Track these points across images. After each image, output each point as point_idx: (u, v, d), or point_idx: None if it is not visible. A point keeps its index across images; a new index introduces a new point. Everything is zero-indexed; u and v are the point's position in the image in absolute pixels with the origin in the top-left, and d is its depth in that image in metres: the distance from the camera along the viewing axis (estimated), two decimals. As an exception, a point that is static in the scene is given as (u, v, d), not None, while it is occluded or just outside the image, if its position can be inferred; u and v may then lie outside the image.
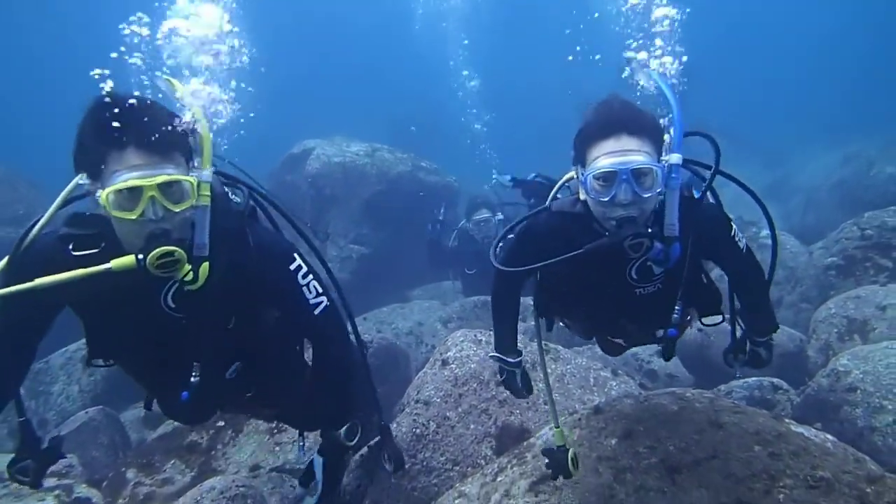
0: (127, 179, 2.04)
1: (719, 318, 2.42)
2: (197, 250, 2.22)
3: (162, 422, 4.14)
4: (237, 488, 3.00)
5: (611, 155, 2.03)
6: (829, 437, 2.54)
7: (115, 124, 2.02)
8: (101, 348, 2.43)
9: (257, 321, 2.52)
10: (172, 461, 3.65)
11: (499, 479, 2.85)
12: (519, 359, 2.56)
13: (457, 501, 2.87)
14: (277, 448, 3.62)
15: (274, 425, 3.73)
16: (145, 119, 2.06)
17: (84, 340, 2.48)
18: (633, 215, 2.04)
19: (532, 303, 2.67)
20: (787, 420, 2.61)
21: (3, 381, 2.31)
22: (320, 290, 2.45)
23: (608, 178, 2.03)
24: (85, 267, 2.09)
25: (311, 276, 2.44)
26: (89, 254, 2.17)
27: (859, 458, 2.37)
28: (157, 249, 2.06)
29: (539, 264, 2.21)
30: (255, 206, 2.55)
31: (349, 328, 2.75)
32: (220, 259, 2.26)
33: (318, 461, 2.62)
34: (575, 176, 2.24)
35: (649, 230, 2.06)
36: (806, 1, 23.02)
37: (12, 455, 3.88)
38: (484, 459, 3.26)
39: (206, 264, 2.21)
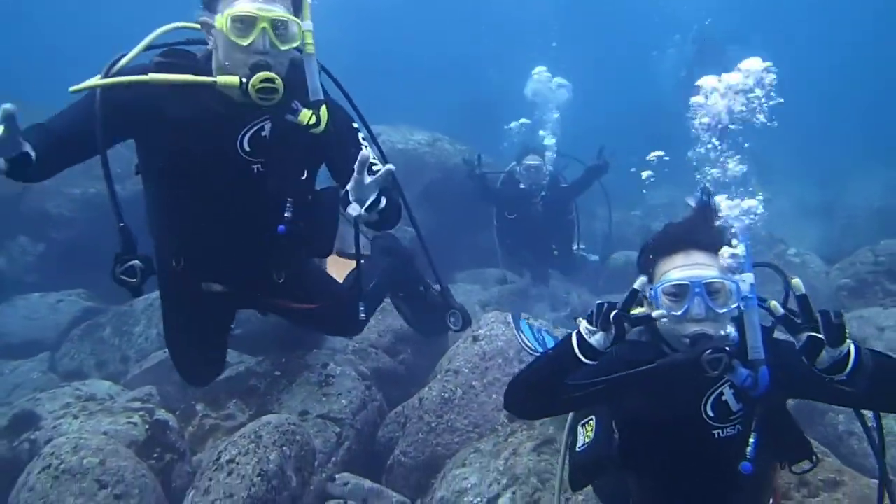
0: (245, 6, 2.26)
1: (809, 464, 2.12)
2: (313, 94, 2.42)
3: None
4: (289, 425, 3.52)
5: (682, 268, 1.98)
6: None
7: None
8: (172, 183, 2.55)
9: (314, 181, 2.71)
10: (234, 400, 4.22)
11: (509, 440, 3.30)
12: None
13: (472, 455, 3.34)
14: (324, 398, 4.13)
15: (322, 378, 4.24)
16: None
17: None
18: (709, 332, 1.91)
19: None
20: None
21: (59, 156, 2.41)
22: (383, 194, 2.39)
23: (680, 291, 1.95)
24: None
25: (367, 141, 2.58)
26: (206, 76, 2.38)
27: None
28: (261, 74, 2.25)
29: (608, 377, 1.98)
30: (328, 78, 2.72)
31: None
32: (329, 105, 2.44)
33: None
34: (641, 291, 2.04)
35: (727, 348, 1.90)
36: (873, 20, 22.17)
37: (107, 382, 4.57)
38: (501, 426, 3.70)
39: (325, 107, 2.42)
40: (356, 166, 2.18)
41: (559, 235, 6.57)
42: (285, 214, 2.55)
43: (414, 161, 7.89)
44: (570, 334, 2.05)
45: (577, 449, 2.31)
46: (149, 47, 2.52)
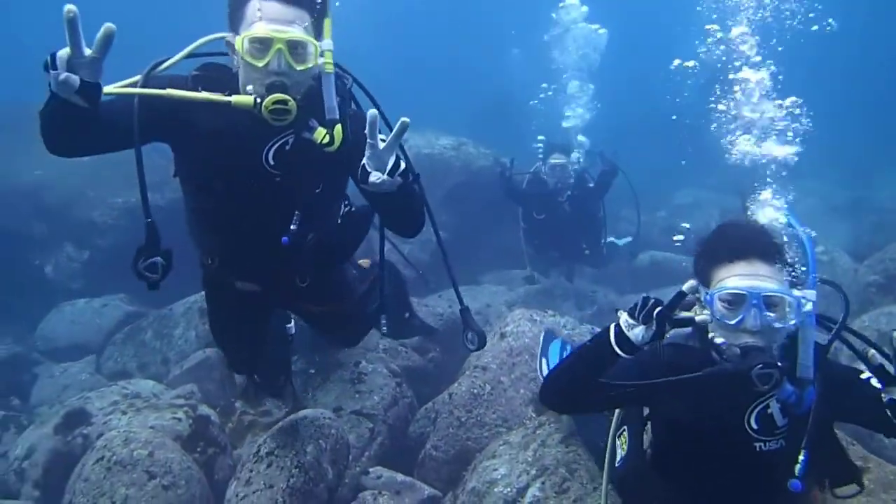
0: (262, 29, 2.29)
1: (854, 489, 2.08)
2: (329, 113, 2.43)
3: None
4: (324, 419, 3.68)
5: (742, 277, 1.90)
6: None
7: None
8: (201, 189, 2.63)
9: (339, 193, 2.74)
10: (271, 400, 4.39)
11: (538, 432, 3.41)
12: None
13: (501, 447, 3.45)
14: (357, 395, 4.28)
15: (355, 376, 4.39)
16: None
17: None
18: (761, 345, 1.87)
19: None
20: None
21: (102, 132, 2.38)
22: (401, 157, 2.36)
23: (736, 300, 1.88)
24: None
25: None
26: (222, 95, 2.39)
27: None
28: (274, 95, 2.28)
29: (651, 381, 1.96)
30: (351, 97, 2.72)
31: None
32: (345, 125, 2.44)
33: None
34: (694, 296, 2.05)
35: (779, 364, 1.84)
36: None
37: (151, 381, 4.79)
38: (529, 419, 3.81)
39: (339, 126, 2.43)
40: (367, 130, 2.18)
41: (588, 234, 6.57)
42: (291, 226, 2.60)
43: (440, 165, 8.05)
44: (607, 326, 2.00)
45: (617, 465, 2.30)
46: (192, 55, 2.56)
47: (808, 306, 1.91)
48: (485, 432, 3.87)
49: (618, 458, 2.33)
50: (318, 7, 2.46)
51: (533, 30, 9.82)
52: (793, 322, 1.88)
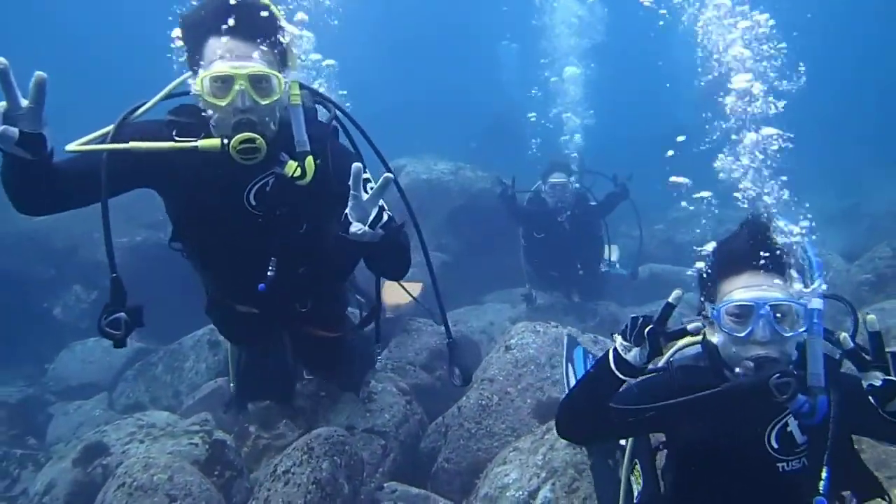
0: (220, 66, 2.21)
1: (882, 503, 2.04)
2: (299, 146, 2.36)
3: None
4: (338, 436, 3.75)
5: (747, 289, 1.89)
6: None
7: (216, 13, 2.20)
8: (185, 231, 2.61)
9: (324, 231, 2.62)
10: (284, 421, 4.46)
11: (546, 437, 3.49)
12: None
13: (512, 453, 3.53)
14: (368, 414, 4.35)
15: (365, 395, 4.47)
16: (245, 12, 2.21)
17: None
18: (774, 356, 1.83)
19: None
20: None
21: (64, 188, 2.36)
22: (384, 208, 2.37)
23: (744, 312, 1.87)
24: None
25: (373, 183, 2.39)
26: (189, 140, 2.33)
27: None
28: (241, 135, 2.22)
29: (664, 402, 1.92)
30: (338, 127, 2.66)
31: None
32: (318, 157, 2.39)
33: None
34: (702, 313, 2.04)
35: (795, 373, 1.81)
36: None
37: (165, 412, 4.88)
38: (536, 427, 3.89)
39: (310, 158, 2.36)
40: (350, 182, 2.14)
41: (586, 254, 6.59)
42: (268, 273, 2.54)
43: (438, 189, 8.24)
44: (607, 351, 1.99)
45: (636, 500, 2.26)
46: (168, 96, 2.52)
47: (817, 303, 1.87)
48: (494, 442, 3.95)
49: (635, 493, 2.27)
50: (278, 38, 2.37)
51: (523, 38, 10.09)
52: (802, 329, 1.84)
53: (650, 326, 1.85)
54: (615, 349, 1.94)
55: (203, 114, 2.39)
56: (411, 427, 4.41)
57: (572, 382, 3.61)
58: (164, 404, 5.67)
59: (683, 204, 2.77)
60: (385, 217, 2.27)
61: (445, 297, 3.59)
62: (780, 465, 1.93)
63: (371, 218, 2.23)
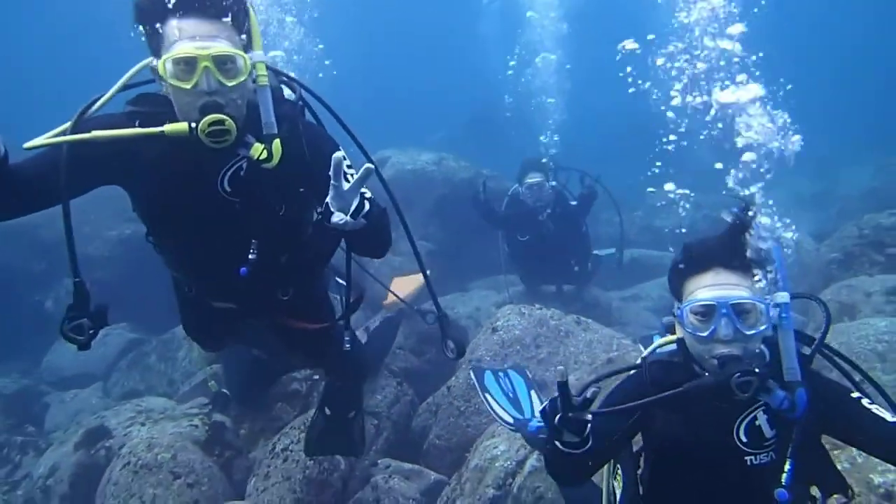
0: (184, 47, 2.12)
1: (844, 500, 2.06)
2: (266, 128, 2.27)
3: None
4: (333, 416, 3.93)
5: (710, 288, 1.92)
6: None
7: None
8: (158, 225, 2.49)
9: (303, 213, 2.59)
10: (280, 404, 4.62)
11: (531, 411, 3.69)
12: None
13: (500, 427, 3.72)
14: (361, 395, 4.53)
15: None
16: None
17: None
18: (737, 354, 1.86)
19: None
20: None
21: (20, 192, 2.23)
22: (366, 195, 2.26)
23: (707, 311, 1.90)
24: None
25: (352, 169, 2.32)
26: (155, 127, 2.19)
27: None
28: (209, 117, 2.11)
29: (636, 402, 1.94)
30: (305, 106, 2.57)
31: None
32: (284, 140, 2.29)
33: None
34: (672, 311, 2.07)
35: (757, 371, 1.83)
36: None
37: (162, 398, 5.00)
38: (523, 403, 4.09)
39: (277, 141, 2.27)
40: (331, 172, 2.09)
41: (575, 250, 6.50)
42: (249, 256, 2.45)
43: (423, 179, 8.40)
44: (550, 437, 1.92)
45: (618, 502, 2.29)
46: (126, 86, 2.38)
47: (783, 297, 1.91)
48: (483, 419, 4.13)
49: (618, 497, 2.31)
50: (243, 17, 2.30)
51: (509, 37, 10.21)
52: (764, 327, 1.87)
53: (558, 416, 1.80)
54: (556, 440, 1.89)
55: (166, 100, 2.29)
56: (402, 407, 4.60)
57: (501, 414, 3.59)
58: (158, 392, 5.80)
59: (654, 189, 2.78)
60: (367, 206, 2.20)
61: (433, 285, 3.60)
62: (748, 458, 1.96)
63: (353, 208, 2.16)
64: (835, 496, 2.04)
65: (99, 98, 2.30)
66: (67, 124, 2.24)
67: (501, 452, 3.50)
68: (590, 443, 1.87)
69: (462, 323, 6.31)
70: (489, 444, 3.64)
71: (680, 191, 3.18)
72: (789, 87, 2.26)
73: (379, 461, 4.09)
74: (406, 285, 5.35)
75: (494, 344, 4.46)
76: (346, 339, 2.90)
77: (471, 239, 8.13)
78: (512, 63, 9.46)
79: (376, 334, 4.99)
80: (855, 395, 1.93)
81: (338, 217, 2.14)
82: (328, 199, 2.16)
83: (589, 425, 1.85)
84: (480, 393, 3.71)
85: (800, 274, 6.05)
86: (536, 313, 4.69)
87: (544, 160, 6.70)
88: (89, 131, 2.18)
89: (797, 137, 2.11)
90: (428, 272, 3.17)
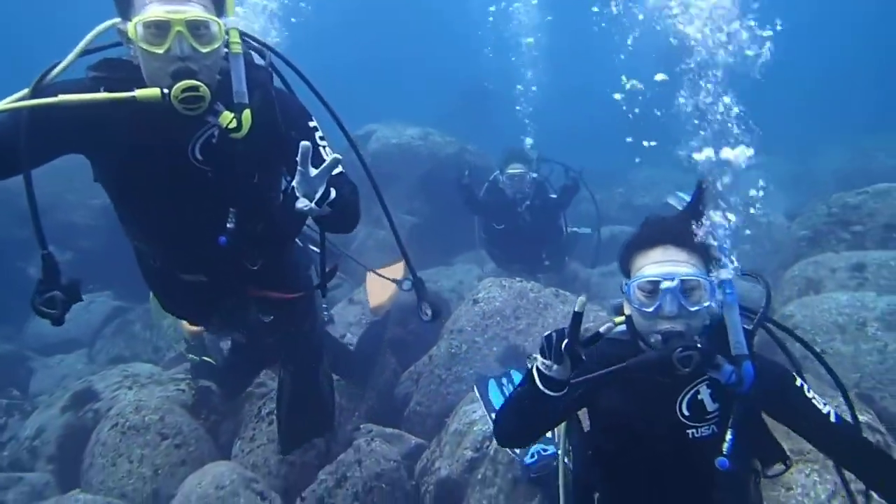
0: (155, 11, 2.04)
1: (783, 467, 2.14)
2: (237, 97, 2.21)
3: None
4: (317, 381, 4.03)
5: (656, 265, 1.94)
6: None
7: None
8: (125, 197, 2.42)
9: (275, 182, 2.55)
10: (264, 371, 4.73)
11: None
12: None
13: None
14: (344, 363, 4.63)
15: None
16: None
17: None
18: (680, 329, 1.88)
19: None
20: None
21: None
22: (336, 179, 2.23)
23: (653, 288, 1.91)
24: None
25: (325, 141, 2.35)
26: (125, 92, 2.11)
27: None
28: (182, 82, 2.05)
29: (581, 378, 1.96)
30: (274, 72, 2.50)
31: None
32: (256, 108, 2.25)
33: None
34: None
35: (699, 346, 1.85)
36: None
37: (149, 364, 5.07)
38: (502, 372, 4.22)
39: (248, 111, 2.22)
40: (299, 158, 2.05)
41: (549, 244, 6.54)
42: (227, 225, 2.40)
43: (408, 154, 8.46)
44: (529, 371, 1.95)
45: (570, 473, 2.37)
46: (85, 52, 2.26)
47: (726, 274, 1.93)
48: (463, 386, 4.27)
49: (571, 467, 2.39)
50: None
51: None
52: (707, 304, 1.89)
53: (565, 341, 1.82)
54: (538, 368, 1.91)
55: (132, 66, 2.21)
56: (386, 376, 4.72)
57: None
58: (143, 359, 5.87)
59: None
60: (332, 194, 2.15)
61: (416, 258, 3.52)
62: (689, 431, 1.98)
63: (318, 195, 2.11)
64: (775, 465, 2.12)
65: (58, 63, 2.18)
66: (25, 91, 2.13)
67: (480, 417, 3.64)
68: (566, 389, 1.90)
69: (445, 296, 6.43)
70: (468, 409, 3.77)
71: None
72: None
73: (361, 426, 4.21)
74: (381, 292, 5.11)
75: (475, 315, 4.58)
76: (324, 306, 2.80)
77: (455, 214, 8.21)
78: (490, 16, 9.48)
79: (364, 339, 5.03)
80: (798, 382, 1.97)
81: (302, 203, 2.11)
82: (294, 184, 2.13)
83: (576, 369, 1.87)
84: (487, 414, 3.59)
85: (772, 250, 6.23)
86: (516, 286, 4.81)
87: (528, 148, 6.77)
88: (55, 96, 2.08)
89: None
90: (405, 247, 3.17)
